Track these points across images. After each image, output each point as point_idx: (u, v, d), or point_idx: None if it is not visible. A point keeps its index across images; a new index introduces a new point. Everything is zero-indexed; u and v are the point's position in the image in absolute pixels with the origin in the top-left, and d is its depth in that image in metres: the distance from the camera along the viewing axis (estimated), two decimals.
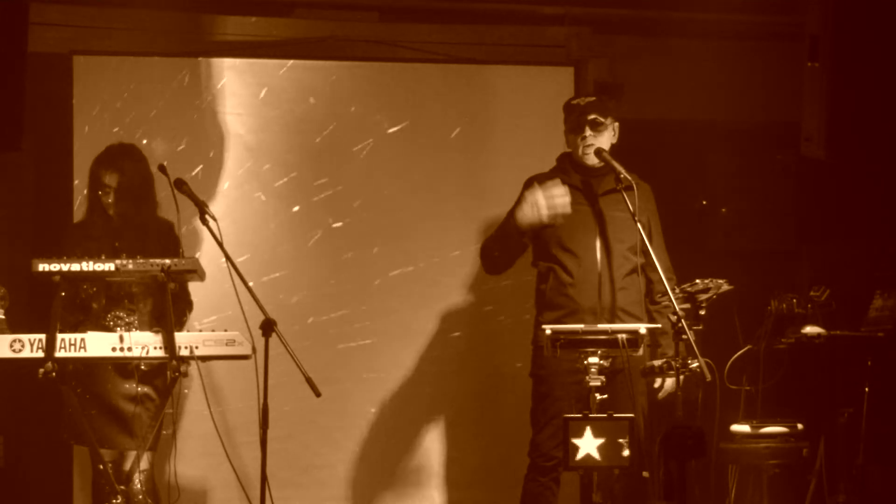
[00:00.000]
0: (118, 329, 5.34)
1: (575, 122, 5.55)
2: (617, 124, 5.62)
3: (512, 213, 5.49)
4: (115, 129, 6.27)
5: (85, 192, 5.75)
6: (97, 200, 5.60)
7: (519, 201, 5.62)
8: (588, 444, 4.87)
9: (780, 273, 7.06)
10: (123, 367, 5.30)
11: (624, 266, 5.50)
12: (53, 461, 6.33)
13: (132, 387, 5.39)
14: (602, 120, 5.54)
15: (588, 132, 5.52)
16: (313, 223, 6.53)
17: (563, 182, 5.58)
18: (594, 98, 5.65)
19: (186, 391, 6.19)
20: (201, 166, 6.41)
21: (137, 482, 5.29)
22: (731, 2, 6.82)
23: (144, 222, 5.59)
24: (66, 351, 4.90)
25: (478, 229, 6.58)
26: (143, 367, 5.33)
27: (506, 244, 5.56)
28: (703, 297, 5.09)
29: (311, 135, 6.57)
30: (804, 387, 6.44)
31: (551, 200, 5.35)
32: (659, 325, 5.31)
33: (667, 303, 5.05)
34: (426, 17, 6.89)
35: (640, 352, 5.10)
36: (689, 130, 7.11)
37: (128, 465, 5.32)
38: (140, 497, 5.29)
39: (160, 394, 5.43)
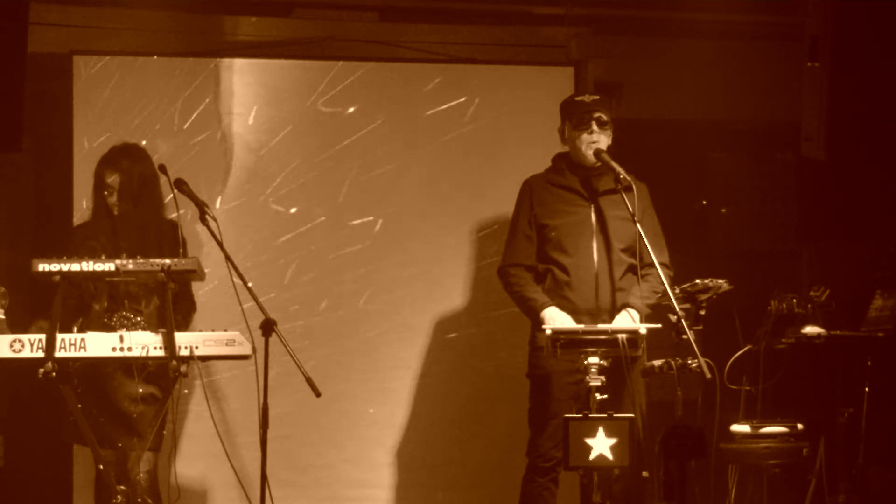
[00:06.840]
0: (123, 330, 5.32)
1: (580, 118, 5.52)
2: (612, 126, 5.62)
3: (536, 305, 5.46)
4: (115, 129, 6.26)
5: (91, 192, 5.74)
6: (102, 201, 5.60)
7: (519, 204, 5.64)
8: (591, 444, 4.88)
9: (780, 273, 7.06)
10: (129, 367, 5.25)
11: (622, 267, 5.49)
12: (53, 461, 6.33)
13: (138, 387, 5.38)
14: (606, 119, 5.54)
15: (595, 129, 5.51)
16: (313, 223, 6.53)
17: (559, 184, 5.58)
18: (599, 97, 5.63)
19: (186, 391, 6.19)
20: (201, 166, 6.41)
21: (140, 482, 5.29)
22: (731, 2, 6.81)
23: (145, 222, 5.57)
24: (66, 351, 4.89)
25: (477, 229, 6.58)
26: (150, 368, 5.31)
27: (521, 308, 5.62)
28: (703, 297, 5.09)
29: (311, 135, 6.56)
30: (804, 387, 6.43)
31: None
32: (658, 325, 5.28)
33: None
34: (426, 17, 6.89)
35: (640, 352, 5.11)
36: (689, 130, 7.11)
37: (129, 465, 5.32)
38: (142, 497, 5.28)
39: (165, 394, 5.41)
